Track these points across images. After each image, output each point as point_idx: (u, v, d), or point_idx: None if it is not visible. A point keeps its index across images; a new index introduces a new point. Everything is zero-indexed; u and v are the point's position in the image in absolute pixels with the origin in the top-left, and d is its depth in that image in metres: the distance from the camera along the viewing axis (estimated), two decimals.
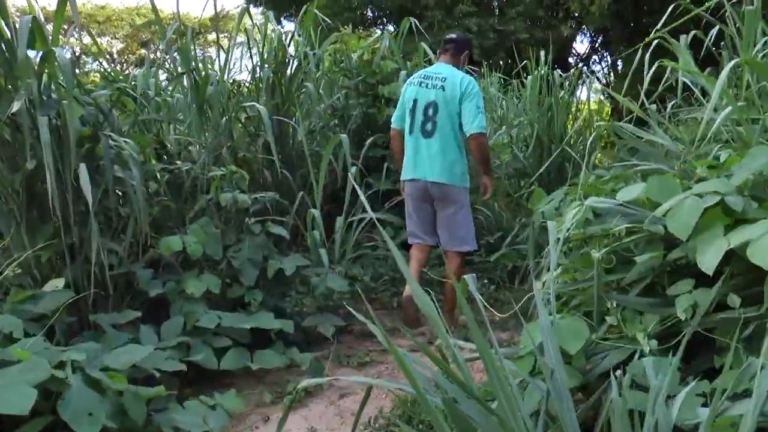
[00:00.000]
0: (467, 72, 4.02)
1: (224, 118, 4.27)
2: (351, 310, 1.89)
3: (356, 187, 1.86)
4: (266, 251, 3.52)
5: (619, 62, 15.43)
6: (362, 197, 1.81)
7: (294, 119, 4.64)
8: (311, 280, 3.63)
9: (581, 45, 17.92)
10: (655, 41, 3.40)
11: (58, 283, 2.79)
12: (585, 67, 15.07)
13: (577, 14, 14.98)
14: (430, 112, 3.67)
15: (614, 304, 1.96)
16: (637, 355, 1.79)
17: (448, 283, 3.80)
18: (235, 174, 3.49)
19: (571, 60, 17.12)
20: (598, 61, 17.96)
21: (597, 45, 17.30)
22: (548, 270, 2.67)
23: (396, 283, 4.44)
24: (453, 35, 4.01)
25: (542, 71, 5.84)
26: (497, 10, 16.21)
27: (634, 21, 14.70)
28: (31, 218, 2.94)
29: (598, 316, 2.01)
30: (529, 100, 6.12)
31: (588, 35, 17.00)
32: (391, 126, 4.04)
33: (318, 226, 3.85)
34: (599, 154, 4.48)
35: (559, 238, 2.08)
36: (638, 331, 1.86)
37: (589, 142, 4.05)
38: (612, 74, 16.61)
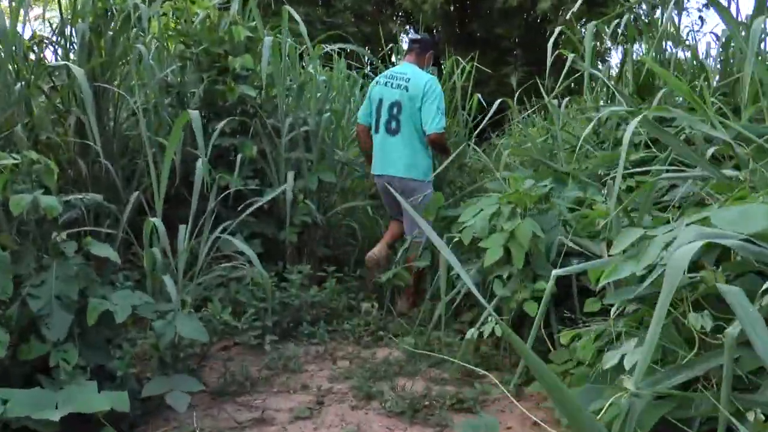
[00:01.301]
0: (434, 70, 4.25)
1: (18, 85, 2.93)
2: None
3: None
4: (84, 283, 2.33)
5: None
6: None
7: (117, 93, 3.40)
8: (153, 324, 2.50)
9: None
10: None
11: None
12: None
13: (408, 12, 14.74)
14: (395, 110, 3.88)
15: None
16: None
17: (411, 267, 3.92)
18: (37, 164, 2.25)
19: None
20: None
21: None
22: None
23: (263, 316, 3.40)
24: (418, 36, 4.16)
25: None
26: (323, 1, 15.49)
27: (459, 24, 14.79)
28: None
29: None
30: None
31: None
32: (358, 122, 4.26)
33: (161, 240, 2.72)
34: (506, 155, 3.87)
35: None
36: None
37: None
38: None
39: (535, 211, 2.91)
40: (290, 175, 4.06)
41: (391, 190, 2.71)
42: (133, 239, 3.06)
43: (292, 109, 4.36)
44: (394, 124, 3.89)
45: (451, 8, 14.24)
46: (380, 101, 3.95)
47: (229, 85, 4.08)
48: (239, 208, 3.64)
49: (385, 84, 3.96)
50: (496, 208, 2.90)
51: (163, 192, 2.87)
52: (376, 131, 4.00)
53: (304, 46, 4.43)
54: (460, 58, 4.96)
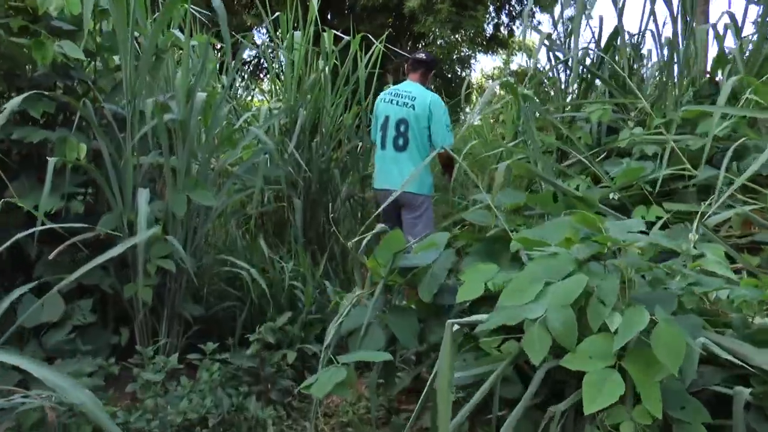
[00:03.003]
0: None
1: None
2: None
3: None
4: None
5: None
6: None
7: None
8: None
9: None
10: None
11: None
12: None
13: (263, 3, 13.19)
14: (402, 128, 3.96)
15: None
16: None
17: None
18: None
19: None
20: None
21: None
22: None
23: None
24: (423, 56, 4.22)
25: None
26: None
27: (322, 19, 13.51)
28: None
29: None
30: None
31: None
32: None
33: None
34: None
35: None
36: None
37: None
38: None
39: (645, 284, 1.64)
40: (142, 193, 2.52)
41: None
42: None
43: (145, 90, 2.80)
44: (401, 141, 3.97)
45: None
46: (386, 118, 4.01)
47: (38, 40, 2.45)
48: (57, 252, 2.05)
49: (390, 101, 4.03)
50: (577, 283, 1.55)
51: None
52: (383, 147, 4.05)
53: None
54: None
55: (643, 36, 3.83)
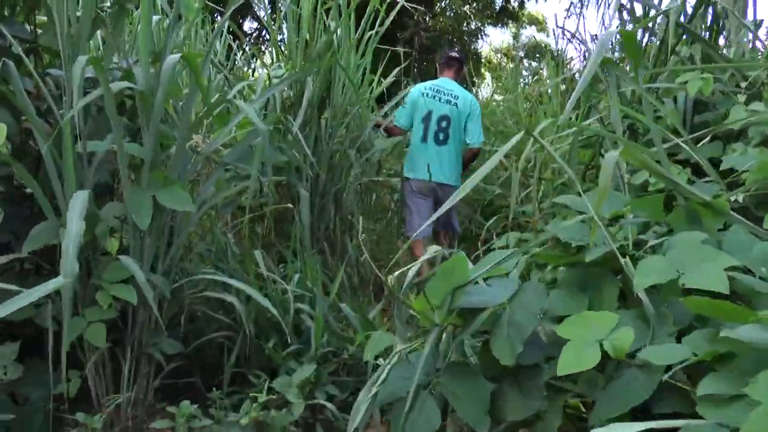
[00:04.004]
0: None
1: None
2: None
3: None
4: None
5: None
6: None
7: None
8: None
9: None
10: None
11: None
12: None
13: None
14: (444, 124, 4.14)
15: None
16: None
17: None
18: None
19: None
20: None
21: None
22: None
23: None
24: (457, 54, 4.49)
25: None
26: None
27: None
28: None
29: None
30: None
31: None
32: (395, 123, 4.22)
33: None
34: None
35: None
36: None
37: None
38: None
39: None
40: (77, 198, 1.73)
41: None
42: None
43: (94, 50, 2.01)
44: (442, 136, 4.12)
45: None
46: (429, 113, 4.12)
47: None
48: None
49: (434, 97, 4.15)
50: None
51: None
52: (424, 140, 4.13)
53: None
54: None
55: None
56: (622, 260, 1.55)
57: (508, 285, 1.64)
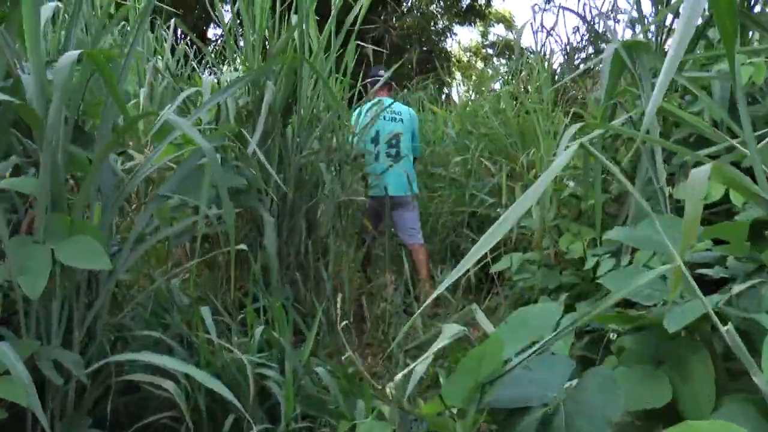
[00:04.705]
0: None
1: None
2: None
3: None
4: None
5: None
6: None
7: None
8: None
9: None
10: None
11: None
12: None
13: None
14: (393, 141, 4.36)
15: None
16: None
17: (423, 263, 4.30)
18: None
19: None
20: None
21: None
22: None
23: None
24: (383, 72, 4.37)
25: None
26: None
27: None
28: None
29: None
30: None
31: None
32: (356, 151, 4.20)
33: None
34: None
35: None
36: None
37: None
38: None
39: None
40: None
41: None
42: None
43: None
44: (393, 152, 4.34)
45: None
46: (377, 133, 4.29)
47: None
48: None
49: (380, 117, 4.18)
50: None
51: None
52: (377, 160, 4.30)
53: None
54: None
55: None
56: (723, 329, 1.07)
57: (556, 367, 1.14)
